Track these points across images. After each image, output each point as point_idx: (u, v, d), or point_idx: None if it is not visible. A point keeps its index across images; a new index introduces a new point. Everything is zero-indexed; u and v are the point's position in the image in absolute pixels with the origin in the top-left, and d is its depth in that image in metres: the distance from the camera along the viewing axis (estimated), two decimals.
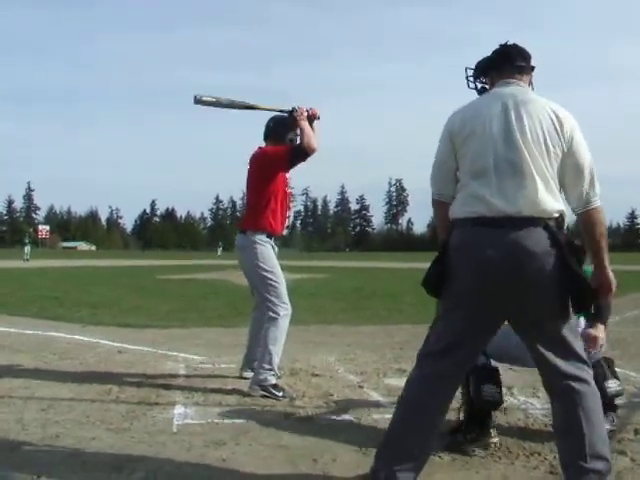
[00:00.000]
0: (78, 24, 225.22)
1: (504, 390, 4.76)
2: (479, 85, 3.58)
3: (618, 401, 5.16)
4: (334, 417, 4.77)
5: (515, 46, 3.45)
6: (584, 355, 3.23)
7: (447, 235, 3.26)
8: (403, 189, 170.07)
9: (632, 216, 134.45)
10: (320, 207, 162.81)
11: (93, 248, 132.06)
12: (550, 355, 3.16)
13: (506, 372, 4.84)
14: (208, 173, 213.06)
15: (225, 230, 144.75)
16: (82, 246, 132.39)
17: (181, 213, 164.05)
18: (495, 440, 4.03)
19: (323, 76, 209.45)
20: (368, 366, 6.59)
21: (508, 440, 4.16)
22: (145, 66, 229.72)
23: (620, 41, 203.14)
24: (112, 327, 9.85)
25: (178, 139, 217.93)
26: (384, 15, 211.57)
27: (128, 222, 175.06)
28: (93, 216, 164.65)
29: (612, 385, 4.17)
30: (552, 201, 3.14)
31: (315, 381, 5.87)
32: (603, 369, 4.19)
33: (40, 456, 3.80)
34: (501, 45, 3.47)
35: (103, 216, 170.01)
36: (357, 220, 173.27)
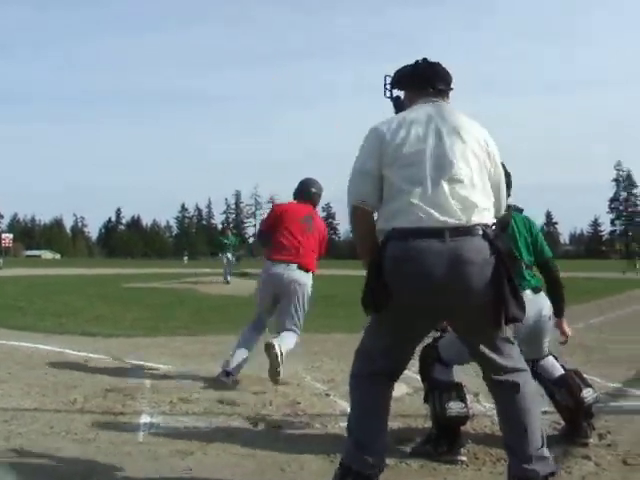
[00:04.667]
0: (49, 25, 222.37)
1: (470, 397, 4.81)
2: (394, 94, 3.61)
3: None
4: (301, 425, 4.77)
5: (439, 69, 3.50)
6: (520, 356, 3.33)
7: (379, 247, 3.21)
8: (507, 175, 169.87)
9: (595, 224, 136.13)
10: None
11: (57, 257, 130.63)
12: (492, 356, 3.24)
13: (472, 379, 4.87)
14: (174, 181, 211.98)
15: (191, 238, 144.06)
16: (46, 254, 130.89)
17: (147, 221, 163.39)
18: (463, 458, 4.01)
19: (294, 81, 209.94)
20: (335, 374, 6.59)
21: (475, 447, 4.18)
22: (104, 71, 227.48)
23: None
24: (77, 336, 9.72)
25: (143, 146, 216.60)
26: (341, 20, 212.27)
27: (93, 230, 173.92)
28: (58, 224, 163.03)
29: (587, 394, 4.28)
30: (488, 209, 3.23)
31: (282, 389, 5.86)
32: (576, 380, 4.30)
33: (4, 468, 3.75)
34: (425, 63, 3.51)
35: (68, 224, 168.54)
36: None
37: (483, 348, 3.23)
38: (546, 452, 3.24)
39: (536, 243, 4.46)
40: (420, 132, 3.24)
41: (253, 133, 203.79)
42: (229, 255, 24.95)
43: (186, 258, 79.30)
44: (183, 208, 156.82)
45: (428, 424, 4.38)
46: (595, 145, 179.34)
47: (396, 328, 3.22)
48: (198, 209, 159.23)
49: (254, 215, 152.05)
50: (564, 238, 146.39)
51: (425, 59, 3.52)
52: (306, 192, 6.67)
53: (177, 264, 64.61)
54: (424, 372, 4.34)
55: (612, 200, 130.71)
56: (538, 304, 4.27)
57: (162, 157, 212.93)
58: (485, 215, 3.19)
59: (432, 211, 3.10)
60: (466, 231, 3.09)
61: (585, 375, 4.56)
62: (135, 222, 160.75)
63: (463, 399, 4.13)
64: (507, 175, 3.88)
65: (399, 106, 3.57)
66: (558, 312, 4.46)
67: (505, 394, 3.24)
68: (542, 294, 4.38)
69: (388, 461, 3.89)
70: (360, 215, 3.32)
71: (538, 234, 4.51)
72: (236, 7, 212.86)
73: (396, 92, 3.61)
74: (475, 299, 3.10)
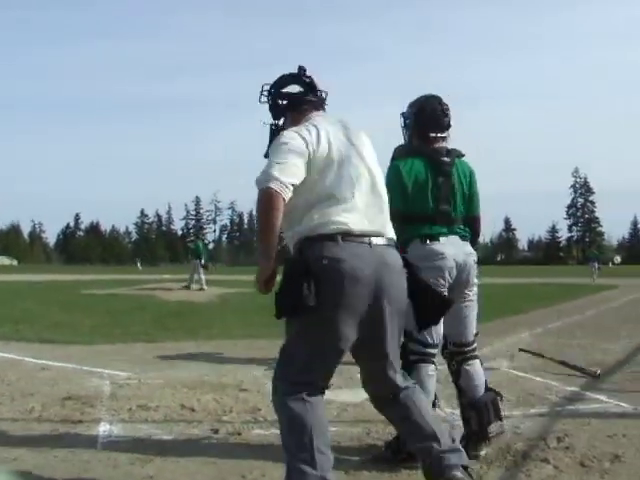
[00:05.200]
0: None
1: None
2: (271, 102, 3.62)
3: (541, 409, 5.31)
4: (262, 432, 4.75)
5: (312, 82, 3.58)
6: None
7: (300, 248, 3.19)
8: None
9: (553, 230, 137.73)
10: (246, 221, 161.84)
11: (14, 263, 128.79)
12: (388, 368, 3.32)
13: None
14: (133, 187, 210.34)
15: (150, 244, 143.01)
16: (3, 260, 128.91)
17: (106, 227, 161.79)
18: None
19: (247, 89, 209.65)
20: None
21: None
22: (65, 76, 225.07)
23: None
24: (35, 343, 9.61)
25: (103, 152, 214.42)
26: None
27: (51, 236, 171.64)
28: (15, 230, 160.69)
29: (494, 428, 4.17)
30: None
31: (243, 396, 5.84)
32: (490, 410, 4.17)
33: None
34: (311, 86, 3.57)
35: (25, 230, 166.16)
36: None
37: (382, 359, 3.30)
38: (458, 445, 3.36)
39: (473, 195, 4.35)
40: (341, 146, 3.30)
41: (213, 139, 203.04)
42: (201, 262, 24.95)
43: (139, 264, 79.44)
44: (142, 214, 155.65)
45: (389, 429, 4.39)
46: (552, 152, 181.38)
47: (325, 333, 3.14)
48: (158, 215, 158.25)
49: (214, 221, 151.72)
50: (522, 244, 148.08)
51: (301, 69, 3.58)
52: None
53: (136, 270, 64.15)
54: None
55: (569, 207, 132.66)
56: (465, 246, 4.23)
57: (122, 163, 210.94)
58: (390, 229, 3.39)
59: (360, 220, 3.20)
60: (386, 242, 3.27)
61: (542, 379, 4.60)
62: (94, 228, 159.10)
63: None
64: None
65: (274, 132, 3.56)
66: None
67: (405, 400, 3.32)
68: (468, 242, 4.29)
69: (348, 467, 3.92)
70: (281, 201, 3.11)
71: (476, 188, 4.39)
72: (189, 17, 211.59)
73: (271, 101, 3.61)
74: (395, 305, 3.23)
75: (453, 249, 4.11)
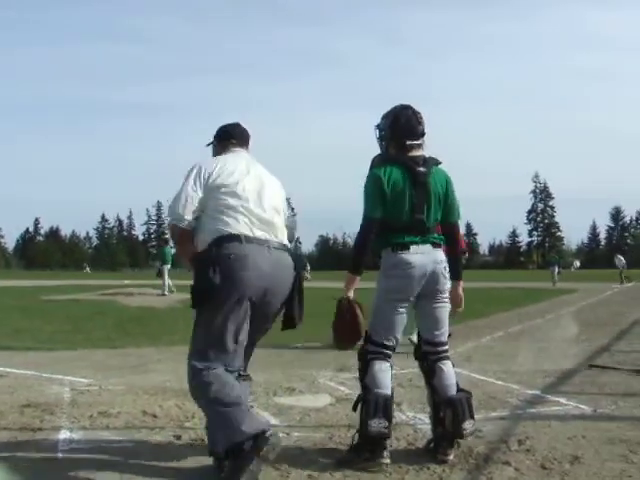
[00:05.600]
0: None
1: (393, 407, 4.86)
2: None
3: (503, 412, 5.36)
4: None
5: (242, 129, 4.48)
6: None
7: (209, 250, 3.88)
8: (292, 209, 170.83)
9: (514, 234, 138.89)
10: None
11: None
12: (251, 353, 4.26)
13: (395, 389, 4.92)
14: (94, 192, 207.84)
15: (111, 249, 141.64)
16: None
17: (66, 232, 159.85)
18: (387, 461, 4.06)
19: (202, 93, 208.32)
20: (258, 386, 6.55)
21: (398, 455, 4.23)
22: (21, 82, 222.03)
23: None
24: None
25: (63, 157, 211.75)
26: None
27: (10, 241, 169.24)
28: None
29: (468, 426, 4.26)
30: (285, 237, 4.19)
31: None
32: (464, 408, 4.26)
33: None
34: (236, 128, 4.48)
35: None
36: None
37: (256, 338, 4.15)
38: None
39: (451, 203, 4.43)
40: (244, 170, 4.13)
41: (175, 144, 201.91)
42: (168, 267, 24.82)
43: (87, 269, 79.79)
44: (103, 219, 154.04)
45: (351, 433, 4.40)
46: (513, 158, 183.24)
47: (233, 317, 3.85)
48: (119, 220, 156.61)
49: None
50: (483, 249, 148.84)
51: (238, 124, 4.52)
52: None
53: (96, 275, 63.55)
54: (360, 372, 4.34)
55: (530, 212, 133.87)
56: (436, 255, 4.30)
57: (82, 167, 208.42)
58: (286, 237, 4.19)
59: (258, 225, 3.99)
60: (281, 246, 4.06)
61: (504, 383, 4.65)
62: (54, 233, 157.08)
63: (388, 417, 4.13)
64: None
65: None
66: (455, 274, 4.43)
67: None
68: (440, 250, 4.37)
69: (312, 472, 3.92)
70: (188, 235, 4.07)
71: (454, 194, 4.47)
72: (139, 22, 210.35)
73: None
74: (280, 300, 4.06)
75: (423, 258, 4.24)
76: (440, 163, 4.47)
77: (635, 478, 3.84)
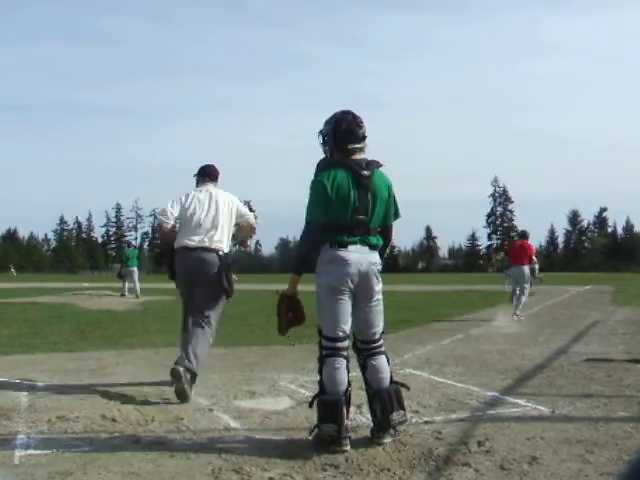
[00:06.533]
0: None
1: (353, 409, 4.89)
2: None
3: (463, 414, 5.40)
4: (185, 441, 4.71)
5: (212, 169, 6.92)
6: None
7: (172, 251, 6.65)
8: (251, 210, 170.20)
9: (473, 238, 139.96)
10: None
11: None
12: (199, 317, 6.42)
13: (356, 391, 4.94)
14: (52, 194, 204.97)
15: (70, 252, 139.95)
16: None
17: (23, 234, 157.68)
18: (347, 448, 4.29)
19: (170, 95, 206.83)
20: (218, 389, 6.55)
21: (359, 458, 4.24)
22: None
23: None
24: None
25: (20, 157, 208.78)
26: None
27: None
28: None
29: (397, 417, 4.55)
30: (223, 243, 6.50)
31: (165, 405, 5.78)
32: (393, 399, 4.56)
33: None
34: (209, 168, 6.90)
35: None
36: None
37: (201, 310, 6.41)
38: None
39: (389, 206, 4.75)
40: (201, 200, 6.60)
41: (134, 146, 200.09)
42: (135, 269, 24.65)
43: (13, 271, 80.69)
44: (62, 221, 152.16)
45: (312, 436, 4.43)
46: (473, 161, 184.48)
47: (183, 289, 6.62)
48: (78, 222, 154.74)
49: (135, 228, 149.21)
50: (443, 252, 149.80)
51: (212, 165, 6.95)
52: None
53: (57, 278, 62.70)
54: (318, 368, 4.59)
55: (489, 215, 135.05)
56: (371, 256, 4.61)
57: (41, 169, 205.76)
58: (221, 244, 6.49)
59: (194, 238, 6.43)
60: (208, 250, 6.39)
61: (464, 385, 4.70)
62: (11, 235, 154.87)
63: (339, 422, 4.34)
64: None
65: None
66: None
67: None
68: (376, 253, 4.67)
69: (272, 475, 3.92)
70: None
71: (394, 198, 4.80)
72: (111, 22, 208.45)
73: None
74: (208, 280, 6.36)
75: (359, 257, 4.54)
76: (382, 166, 4.74)
77: (592, 478, 3.91)
